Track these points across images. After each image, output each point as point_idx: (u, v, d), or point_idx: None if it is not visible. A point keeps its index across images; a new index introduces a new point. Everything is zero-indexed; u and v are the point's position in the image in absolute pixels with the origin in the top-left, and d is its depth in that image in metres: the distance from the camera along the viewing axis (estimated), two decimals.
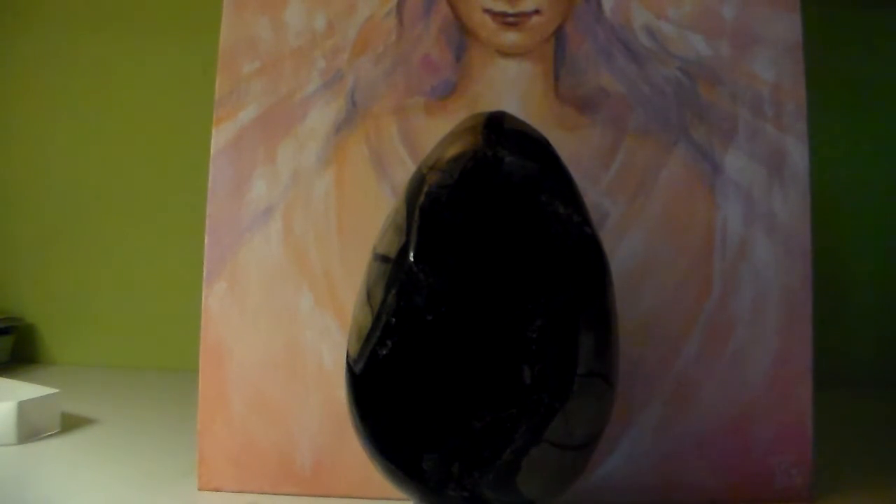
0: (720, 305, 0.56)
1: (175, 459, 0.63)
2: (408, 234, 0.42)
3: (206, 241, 0.57)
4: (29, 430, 0.69)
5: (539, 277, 0.40)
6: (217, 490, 0.56)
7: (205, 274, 0.57)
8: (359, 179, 0.57)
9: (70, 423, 0.74)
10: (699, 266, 0.56)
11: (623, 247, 0.56)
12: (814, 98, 0.57)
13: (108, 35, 1.10)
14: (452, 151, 0.44)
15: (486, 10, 0.58)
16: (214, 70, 0.59)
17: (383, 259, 0.43)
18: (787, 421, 0.55)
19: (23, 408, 0.68)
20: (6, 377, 0.81)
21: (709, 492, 0.55)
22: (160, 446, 0.67)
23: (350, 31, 0.58)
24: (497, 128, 0.44)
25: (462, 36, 0.58)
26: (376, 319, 0.41)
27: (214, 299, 0.57)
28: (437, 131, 0.51)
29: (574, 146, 0.56)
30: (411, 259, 0.41)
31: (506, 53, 0.58)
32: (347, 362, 0.44)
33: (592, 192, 0.56)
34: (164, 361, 1.05)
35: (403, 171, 0.56)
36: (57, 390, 0.73)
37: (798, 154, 0.57)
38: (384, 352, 0.41)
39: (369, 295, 0.43)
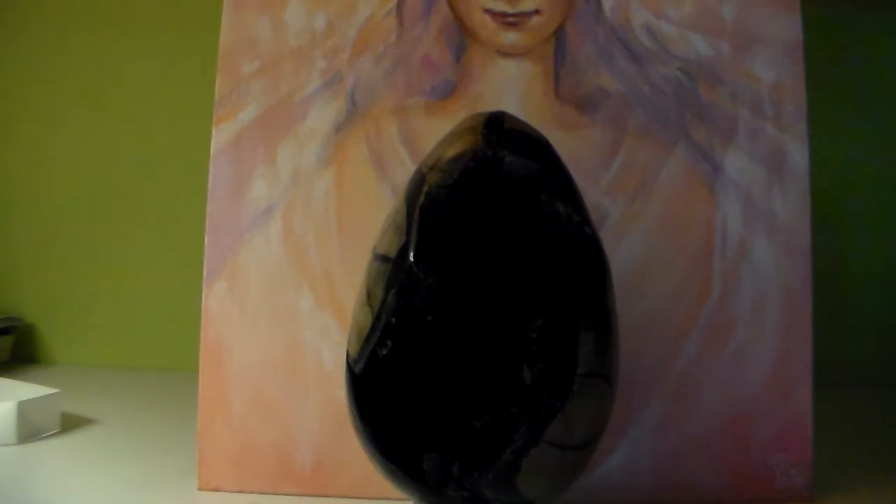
0: (720, 305, 0.56)
1: (175, 459, 0.63)
2: (408, 234, 0.42)
3: (206, 241, 0.57)
4: (29, 430, 0.69)
5: (539, 277, 0.40)
6: (217, 490, 0.56)
7: (205, 274, 0.57)
8: (359, 179, 0.57)
9: (70, 423, 0.74)
10: (699, 266, 0.56)
11: (623, 247, 0.56)
12: (814, 98, 0.57)
13: (107, 35, 1.10)
14: (452, 151, 0.44)
15: (486, 10, 0.58)
16: (214, 70, 0.59)
17: (383, 259, 0.43)
18: (787, 421, 0.55)
19: (23, 408, 0.68)
20: (6, 377, 0.81)
21: (709, 492, 0.55)
22: (160, 446, 0.67)
23: (350, 31, 0.58)
24: (497, 128, 0.44)
25: (462, 36, 0.58)
26: (376, 319, 0.41)
27: (214, 299, 0.57)
28: (437, 131, 0.51)
29: (574, 146, 0.56)
30: (411, 259, 0.41)
31: (506, 53, 0.58)
32: (347, 362, 0.44)
33: (592, 192, 0.56)
34: (164, 361, 1.05)
35: (403, 171, 0.56)
36: (57, 390, 0.73)
37: (798, 154, 0.57)
38: (384, 352, 0.41)
39: (369, 295, 0.43)
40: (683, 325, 0.56)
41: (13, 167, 1.12)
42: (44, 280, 1.11)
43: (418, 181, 0.44)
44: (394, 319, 0.41)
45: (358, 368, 0.42)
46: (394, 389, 0.41)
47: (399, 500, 0.50)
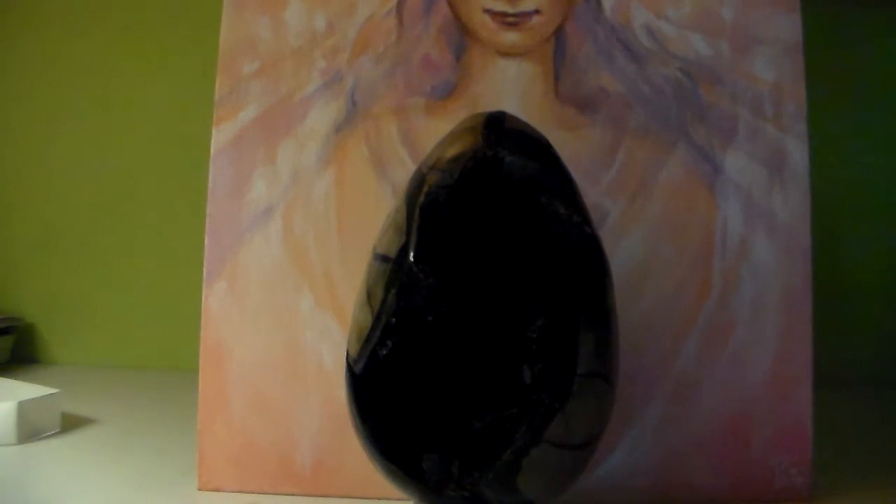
0: (720, 305, 0.56)
1: (175, 459, 0.63)
2: (408, 234, 0.42)
3: (206, 241, 0.57)
4: (29, 430, 0.69)
5: (539, 277, 0.40)
6: (217, 490, 0.56)
7: (205, 274, 0.57)
8: (359, 179, 0.57)
9: (70, 423, 0.74)
10: (699, 266, 0.56)
11: (623, 247, 0.56)
12: (814, 98, 0.57)
13: (107, 35, 1.10)
14: (452, 151, 0.44)
15: (487, 10, 0.58)
16: (214, 70, 0.59)
17: (383, 259, 0.43)
18: (787, 421, 0.55)
19: (23, 408, 0.68)
20: (6, 377, 0.81)
21: (709, 492, 0.55)
22: (160, 446, 0.67)
23: (350, 31, 0.58)
24: (497, 128, 0.44)
25: (462, 36, 0.58)
26: (376, 319, 0.41)
27: (214, 299, 0.57)
28: (437, 131, 0.51)
29: (574, 146, 0.56)
30: (411, 259, 0.41)
31: (506, 53, 0.58)
32: (347, 362, 0.44)
33: (592, 192, 0.56)
34: (164, 361, 1.05)
35: (403, 171, 0.56)
36: (57, 390, 0.73)
37: (798, 154, 0.57)
38: (384, 352, 0.41)
39: (369, 295, 0.43)
40: (683, 325, 0.56)
41: (13, 167, 1.12)
42: (44, 280, 1.11)
43: (418, 181, 0.44)
44: (394, 319, 0.41)
45: (358, 368, 0.42)
46: (394, 389, 0.41)
47: (399, 500, 0.50)
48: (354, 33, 0.58)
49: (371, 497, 0.54)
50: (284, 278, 0.57)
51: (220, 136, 0.58)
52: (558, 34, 0.58)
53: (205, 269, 0.57)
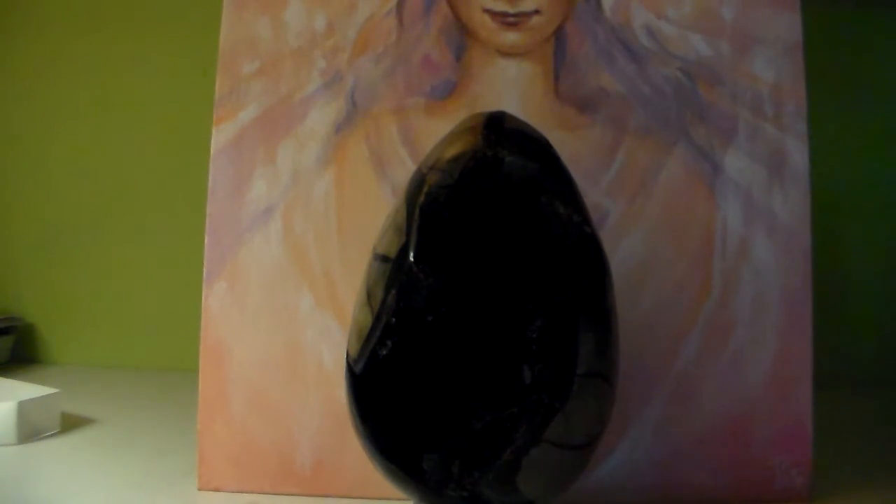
0: (720, 305, 0.56)
1: (175, 459, 0.63)
2: (408, 234, 0.42)
3: (206, 241, 0.57)
4: (29, 430, 0.69)
5: (539, 277, 0.40)
6: (217, 490, 0.56)
7: (205, 274, 0.57)
8: (359, 179, 0.57)
9: (70, 423, 0.74)
10: (699, 266, 0.56)
11: (623, 247, 0.56)
12: (814, 98, 0.57)
13: (108, 35, 1.10)
14: (452, 151, 0.44)
15: (487, 10, 0.58)
16: (214, 70, 0.59)
17: (383, 259, 0.43)
18: (787, 421, 0.55)
19: (23, 408, 0.68)
20: (6, 377, 0.81)
21: (709, 492, 0.55)
22: (160, 446, 0.67)
23: (350, 31, 0.58)
24: (497, 128, 0.44)
25: (462, 36, 0.58)
26: (376, 320, 0.41)
27: (214, 299, 0.57)
28: (437, 131, 0.51)
29: (574, 146, 0.56)
30: (411, 259, 0.41)
31: (506, 53, 0.58)
32: (347, 362, 0.44)
33: (592, 192, 0.56)
34: (164, 361, 1.05)
35: (403, 171, 0.56)
36: (57, 390, 0.73)
37: (798, 154, 0.57)
38: (384, 352, 0.41)
39: (369, 295, 0.43)
40: (683, 325, 0.56)
41: (13, 167, 1.12)
42: (44, 280, 1.11)
43: (418, 181, 0.44)
44: (394, 319, 0.41)
45: (358, 368, 0.42)
46: (394, 389, 0.41)
47: (399, 500, 0.50)
48: (354, 33, 0.58)
49: (371, 497, 0.54)
50: (284, 278, 0.57)
51: (220, 136, 0.58)
52: (558, 34, 0.58)
53: (205, 269, 0.57)
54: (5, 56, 1.12)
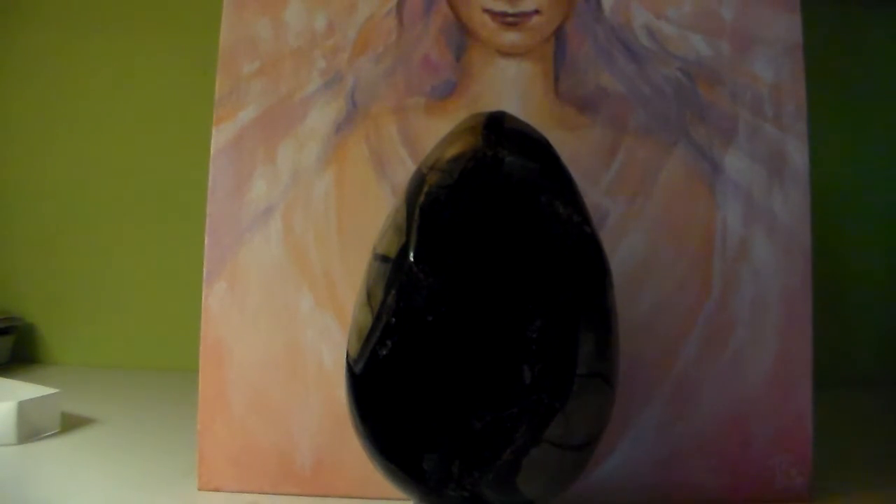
0: (720, 305, 0.56)
1: (175, 459, 0.63)
2: (408, 234, 0.42)
3: (206, 241, 0.57)
4: (29, 430, 0.69)
5: (539, 277, 0.40)
6: (217, 490, 0.56)
7: (205, 274, 0.57)
8: (359, 179, 0.57)
9: (70, 423, 0.74)
10: (699, 266, 0.56)
11: (623, 247, 0.56)
12: (814, 98, 0.57)
13: (108, 35, 1.10)
14: (452, 151, 0.44)
15: (487, 10, 0.58)
16: (214, 70, 0.59)
17: (383, 259, 0.43)
18: (787, 421, 0.55)
19: (23, 408, 0.68)
20: (6, 377, 0.81)
21: (709, 492, 0.55)
22: (160, 446, 0.67)
23: (350, 31, 0.58)
24: (497, 128, 0.44)
25: (462, 36, 0.58)
26: (376, 319, 0.41)
27: (214, 299, 0.57)
28: (437, 131, 0.51)
29: (574, 146, 0.56)
30: (411, 259, 0.41)
31: (506, 53, 0.58)
32: (347, 362, 0.44)
33: (592, 192, 0.56)
34: (164, 361, 1.05)
35: (403, 171, 0.56)
36: (57, 390, 0.73)
37: (798, 154, 0.57)
38: (384, 352, 0.41)
39: (369, 295, 0.43)
40: (683, 325, 0.56)
41: (13, 167, 1.12)
42: (44, 280, 1.11)
43: (418, 181, 0.44)
44: (394, 319, 0.41)
45: (358, 368, 0.42)
46: (394, 389, 0.41)
47: (399, 500, 0.50)
48: (354, 33, 0.58)
49: (371, 497, 0.54)
50: (284, 278, 0.57)
51: (220, 136, 0.58)
52: (558, 34, 0.58)
53: (205, 269, 0.57)
54: (5, 56, 1.12)
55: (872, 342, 1.01)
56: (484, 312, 0.40)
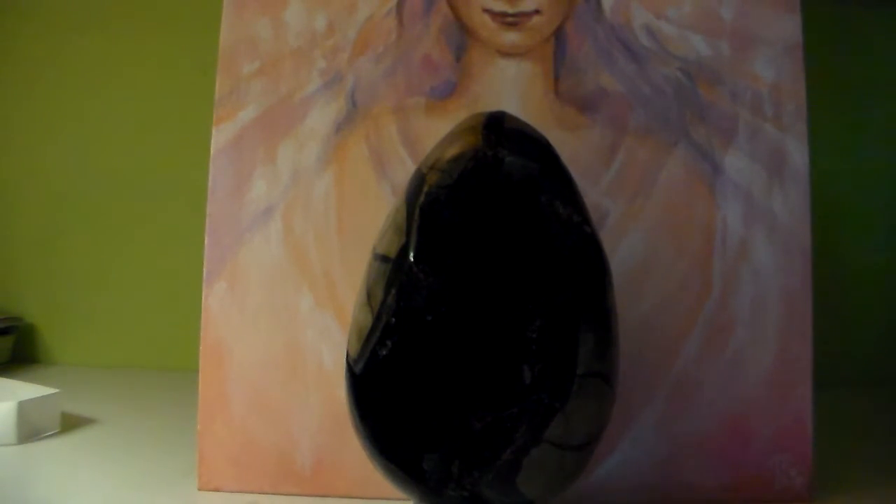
0: (720, 305, 0.56)
1: (175, 459, 0.63)
2: (408, 234, 0.42)
3: (206, 241, 0.57)
4: (29, 430, 0.69)
5: (539, 277, 0.40)
6: (217, 490, 0.56)
7: (205, 274, 0.57)
8: (359, 179, 0.57)
9: (70, 423, 0.74)
10: (699, 266, 0.56)
11: (623, 247, 0.56)
12: (814, 98, 0.57)
13: (108, 35, 1.10)
14: (452, 151, 0.44)
15: (487, 10, 0.58)
16: (214, 70, 0.59)
17: (383, 259, 0.43)
18: (787, 421, 0.55)
19: (23, 408, 0.68)
20: (6, 377, 0.81)
21: (709, 492, 0.55)
22: (160, 446, 0.67)
23: (350, 31, 0.59)
24: (497, 128, 0.44)
25: (462, 36, 0.58)
26: (376, 319, 0.41)
27: (214, 299, 0.57)
28: (437, 131, 0.51)
29: (574, 146, 0.56)
30: (411, 259, 0.41)
31: (506, 53, 0.58)
32: (347, 362, 0.44)
33: (592, 192, 0.56)
34: (164, 361, 1.05)
35: (403, 171, 0.56)
36: (57, 390, 0.73)
37: (798, 154, 0.57)
38: (384, 352, 0.41)
39: (369, 295, 0.43)
40: (683, 325, 0.56)
41: (13, 167, 1.12)
42: (44, 280, 1.11)
43: (418, 181, 0.44)
44: (394, 319, 0.41)
45: (358, 368, 0.42)
46: (394, 389, 0.41)
47: (399, 500, 0.50)
48: (354, 33, 0.58)
49: (371, 497, 0.54)
50: (284, 278, 0.57)
51: (220, 136, 0.58)
52: (558, 34, 0.58)
53: (205, 269, 0.57)
54: (5, 55, 1.12)
55: (872, 342, 1.01)
56: (484, 312, 0.40)
